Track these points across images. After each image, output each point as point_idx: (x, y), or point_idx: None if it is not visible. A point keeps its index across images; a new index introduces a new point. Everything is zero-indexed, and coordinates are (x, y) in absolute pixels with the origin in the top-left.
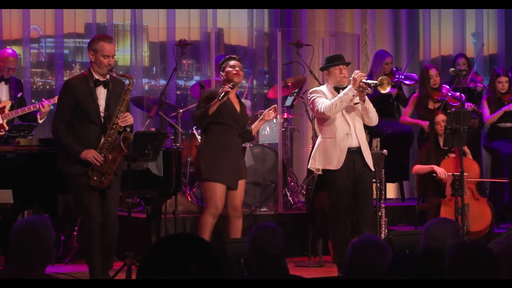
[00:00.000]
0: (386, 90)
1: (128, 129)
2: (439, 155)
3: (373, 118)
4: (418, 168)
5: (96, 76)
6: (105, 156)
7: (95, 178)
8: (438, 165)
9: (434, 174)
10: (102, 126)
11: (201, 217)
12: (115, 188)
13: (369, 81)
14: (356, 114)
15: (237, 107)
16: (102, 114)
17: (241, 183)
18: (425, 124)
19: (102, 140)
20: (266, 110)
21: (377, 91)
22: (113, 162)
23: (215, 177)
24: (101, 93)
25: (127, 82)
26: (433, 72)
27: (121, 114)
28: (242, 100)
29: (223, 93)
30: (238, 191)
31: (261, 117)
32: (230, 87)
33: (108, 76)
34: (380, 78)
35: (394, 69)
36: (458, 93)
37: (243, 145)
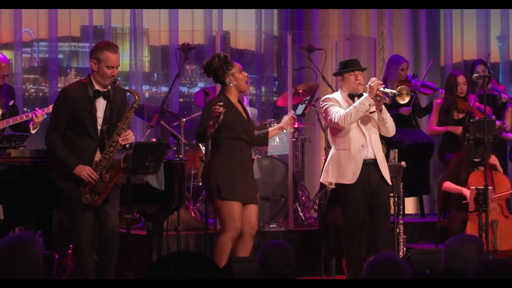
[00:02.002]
0: (405, 100)
1: (128, 146)
2: (469, 167)
3: (390, 129)
4: (449, 186)
5: (97, 86)
6: (101, 175)
7: (87, 196)
8: (467, 177)
9: (464, 202)
10: (99, 140)
11: (219, 239)
12: (112, 202)
13: (387, 90)
14: (372, 124)
15: (245, 115)
16: (99, 128)
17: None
18: (458, 129)
19: (99, 156)
20: (285, 117)
21: (395, 101)
22: (109, 182)
23: (232, 195)
24: (100, 104)
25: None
26: (460, 79)
27: (123, 132)
28: (248, 107)
29: (218, 114)
30: (254, 207)
31: (279, 125)
32: (221, 106)
33: (109, 86)
34: (399, 87)
35: (410, 76)
36: (483, 105)
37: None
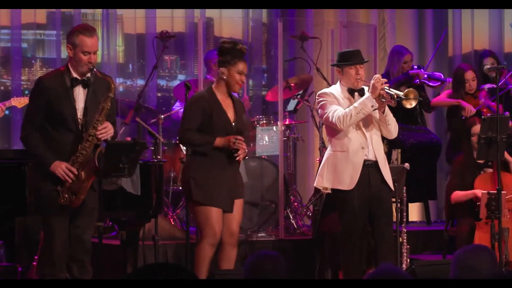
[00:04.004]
0: (412, 105)
1: (109, 139)
2: (474, 170)
3: (393, 131)
4: (458, 196)
5: (75, 74)
6: (78, 172)
7: (66, 195)
8: (473, 182)
9: (478, 204)
10: (80, 133)
11: (197, 247)
12: (89, 209)
13: (392, 91)
14: (373, 124)
15: (231, 116)
16: (80, 120)
17: (238, 203)
18: (468, 106)
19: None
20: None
21: (400, 104)
22: (86, 180)
23: (209, 200)
24: (80, 94)
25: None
26: (469, 75)
27: (100, 124)
28: None
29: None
30: (235, 213)
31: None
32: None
33: (88, 74)
34: (406, 90)
35: (415, 67)
36: (494, 103)
37: None
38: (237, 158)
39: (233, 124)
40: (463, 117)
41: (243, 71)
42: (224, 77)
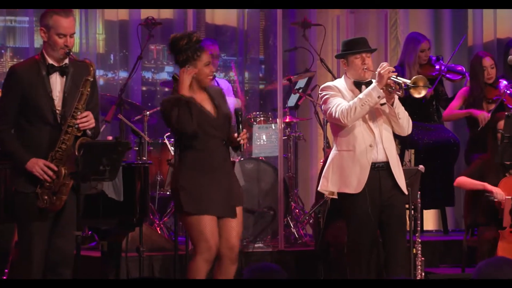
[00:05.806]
0: (420, 94)
1: (90, 133)
2: (498, 172)
3: (405, 126)
4: (463, 180)
5: (50, 61)
6: (58, 169)
7: (45, 197)
8: (496, 184)
9: (487, 194)
10: (59, 126)
11: (191, 263)
12: (72, 216)
13: (400, 80)
14: (383, 119)
15: (211, 109)
16: (58, 112)
17: (237, 212)
18: (481, 114)
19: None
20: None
21: (409, 93)
22: (67, 177)
23: (200, 208)
24: (57, 83)
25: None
26: (487, 62)
27: (79, 112)
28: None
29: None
30: (234, 224)
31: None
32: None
33: (66, 61)
34: (414, 77)
35: (434, 58)
36: None
37: (231, 158)
38: (241, 142)
39: (216, 117)
40: (479, 129)
41: (210, 61)
42: (188, 73)
